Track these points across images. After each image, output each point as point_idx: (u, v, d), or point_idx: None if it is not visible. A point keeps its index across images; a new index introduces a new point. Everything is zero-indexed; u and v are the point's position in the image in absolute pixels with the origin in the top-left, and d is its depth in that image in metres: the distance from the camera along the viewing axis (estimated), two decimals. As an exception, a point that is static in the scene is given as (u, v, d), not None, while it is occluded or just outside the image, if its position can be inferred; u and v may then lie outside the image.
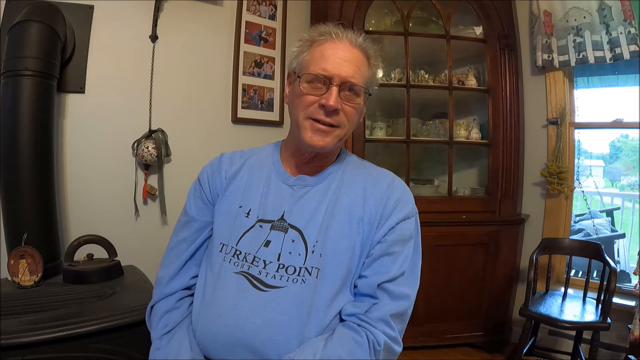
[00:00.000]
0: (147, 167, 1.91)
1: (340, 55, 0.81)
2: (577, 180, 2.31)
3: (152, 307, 0.88)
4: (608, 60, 2.04)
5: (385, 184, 0.88)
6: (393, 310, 0.79)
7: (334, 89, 0.80)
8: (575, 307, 1.87)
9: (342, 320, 0.80)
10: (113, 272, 1.53)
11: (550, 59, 2.21)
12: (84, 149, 1.78)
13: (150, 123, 1.92)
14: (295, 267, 0.80)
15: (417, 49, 2.29)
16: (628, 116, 2.16)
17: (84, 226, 1.71)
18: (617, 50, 2.00)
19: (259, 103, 2.25)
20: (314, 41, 0.84)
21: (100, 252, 1.57)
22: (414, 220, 0.87)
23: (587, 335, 1.86)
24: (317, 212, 0.84)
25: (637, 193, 2.95)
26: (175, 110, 2.00)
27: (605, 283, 1.79)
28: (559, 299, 1.97)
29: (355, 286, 0.82)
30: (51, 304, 1.25)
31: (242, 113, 2.19)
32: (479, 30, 2.31)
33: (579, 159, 2.32)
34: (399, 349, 0.81)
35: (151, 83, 1.92)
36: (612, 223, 3.46)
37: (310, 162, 0.89)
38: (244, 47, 2.19)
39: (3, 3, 1.61)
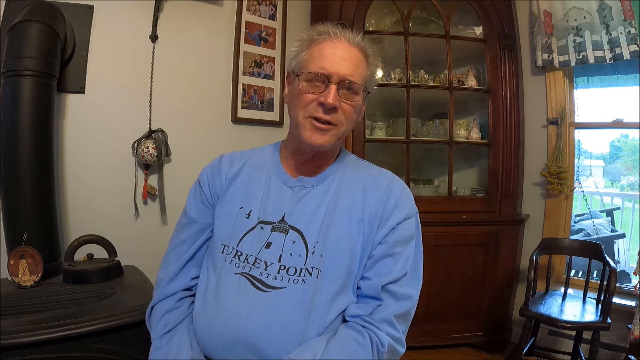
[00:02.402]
0: (147, 167, 1.91)
1: (339, 54, 0.82)
2: (577, 180, 2.30)
3: (152, 307, 0.89)
4: (608, 60, 2.04)
5: (385, 184, 0.88)
6: (397, 311, 0.79)
7: (333, 87, 0.80)
8: (575, 307, 1.87)
9: (345, 321, 0.80)
10: (113, 272, 1.53)
11: (550, 59, 2.21)
12: (84, 149, 1.78)
13: (150, 123, 1.92)
14: (296, 268, 0.80)
15: (417, 49, 2.29)
16: (628, 116, 2.16)
17: (84, 226, 1.71)
18: (617, 50, 2.00)
19: (259, 103, 2.25)
20: (313, 40, 0.85)
21: (100, 252, 1.57)
22: (414, 220, 0.87)
23: (587, 335, 1.86)
24: (317, 212, 0.84)
25: (637, 193, 2.95)
26: (175, 110, 2.00)
27: (605, 283, 1.79)
28: (559, 299, 1.97)
29: (358, 287, 0.82)
30: (51, 304, 1.25)
31: (242, 113, 2.19)
32: (479, 30, 2.31)
33: (579, 159, 2.32)
34: (402, 349, 0.81)
35: (151, 83, 1.92)
36: (612, 223, 3.46)
37: (310, 162, 0.89)
38: (244, 47, 2.19)
39: (3, 3, 1.61)
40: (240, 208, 0.87)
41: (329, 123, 0.82)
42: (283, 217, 0.85)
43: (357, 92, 0.83)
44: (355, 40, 0.84)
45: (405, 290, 0.81)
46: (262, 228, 0.84)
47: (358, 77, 0.83)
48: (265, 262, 0.81)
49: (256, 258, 0.82)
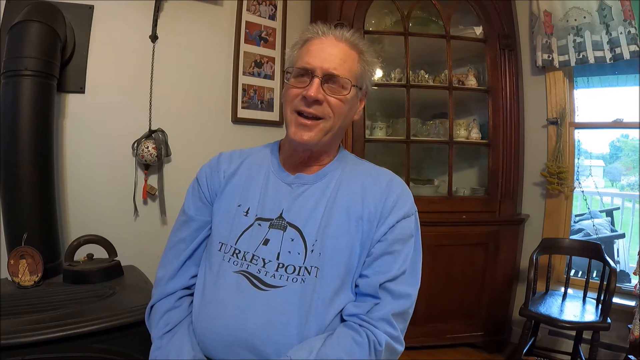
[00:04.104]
0: (147, 167, 1.92)
1: (325, 50, 0.84)
2: (577, 180, 2.30)
3: (151, 307, 0.88)
4: (608, 60, 2.04)
5: (384, 183, 0.88)
6: (395, 309, 0.79)
7: (316, 81, 0.81)
8: (575, 307, 1.87)
9: (343, 320, 0.80)
10: (113, 272, 1.53)
11: (550, 59, 2.21)
12: (84, 149, 1.78)
13: (150, 123, 1.92)
14: (295, 267, 0.80)
15: (417, 49, 2.29)
16: (628, 116, 2.16)
17: (84, 226, 1.71)
18: (617, 50, 2.00)
19: (259, 103, 2.25)
20: (305, 40, 0.87)
21: (100, 252, 1.57)
22: (413, 219, 0.87)
23: (587, 335, 1.86)
24: (315, 210, 0.84)
25: (637, 193, 2.95)
26: (175, 110, 2.00)
27: (605, 283, 1.79)
28: (559, 299, 1.97)
29: (356, 286, 0.82)
30: (51, 304, 1.26)
31: (242, 113, 2.19)
32: (479, 30, 2.31)
33: (579, 159, 2.32)
34: (401, 348, 0.81)
35: (151, 83, 1.93)
36: (612, 223, 3.46)
37: (306, 162, 0.90)
38: (244, 47, 2.19)
39: (3, 3, 1.61)
40: (239, 206, 0.87)
41: (314, 117, 0.83)
42: (281, 213, 0.85)
43: (344, 87, 0.84)
44: (344, 36, 0.86)
45: (403, 288, 0.81)
46: (259, 225, 0.84)
47: (344, 71, 0.83)
48: (263, 259, 0.81)
49: (253, 255, 0.82)
